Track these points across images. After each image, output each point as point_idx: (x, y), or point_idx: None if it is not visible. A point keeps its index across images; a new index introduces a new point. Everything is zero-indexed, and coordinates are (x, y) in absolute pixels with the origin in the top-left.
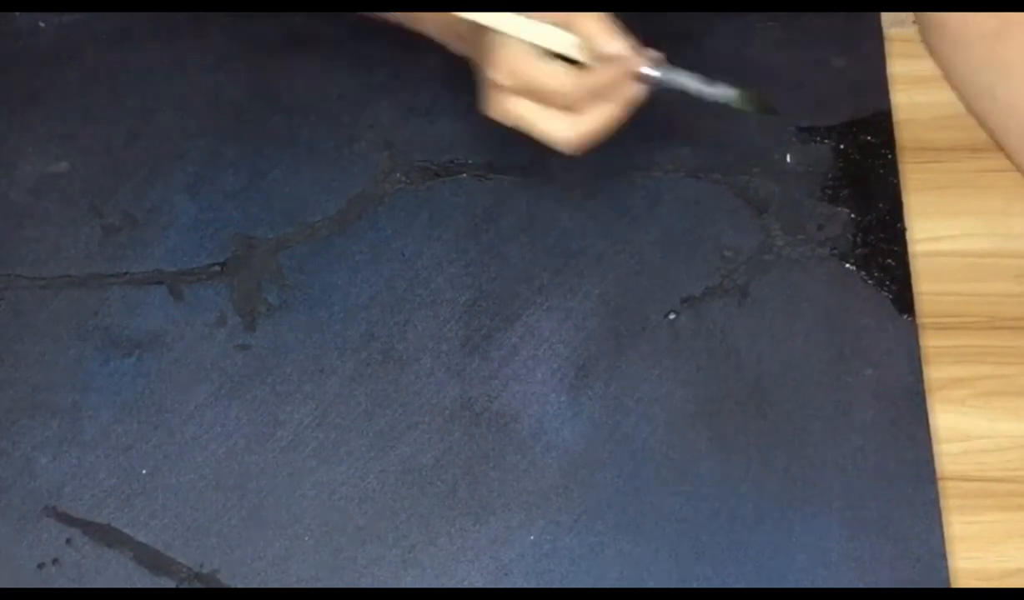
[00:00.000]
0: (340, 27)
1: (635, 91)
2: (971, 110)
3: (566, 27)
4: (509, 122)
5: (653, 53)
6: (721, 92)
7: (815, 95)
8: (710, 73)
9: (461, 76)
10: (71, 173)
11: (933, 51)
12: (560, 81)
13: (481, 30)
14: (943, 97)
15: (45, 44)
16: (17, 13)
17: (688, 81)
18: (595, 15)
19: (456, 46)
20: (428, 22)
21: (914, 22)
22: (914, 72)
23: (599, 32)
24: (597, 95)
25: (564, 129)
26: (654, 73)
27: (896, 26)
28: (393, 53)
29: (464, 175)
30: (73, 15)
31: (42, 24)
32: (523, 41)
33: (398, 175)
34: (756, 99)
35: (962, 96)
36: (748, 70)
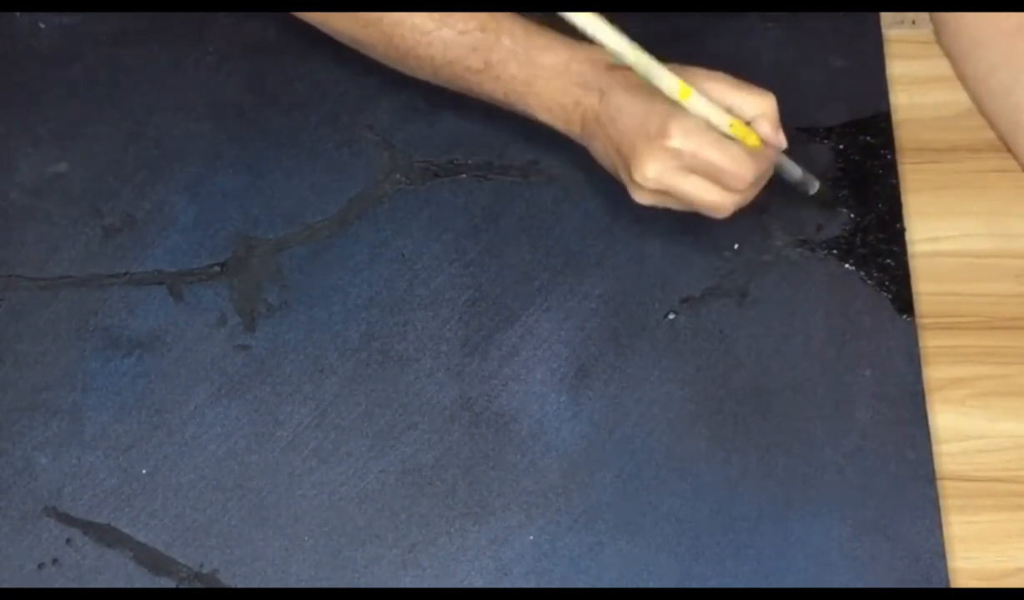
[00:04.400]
0: None
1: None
2: (983, 111)
3: (700, 90)
4: (668, 189)
5: (783, 141)
6: (809, 182)
7: (815, 95)
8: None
9: None
10: (71, 173)
11: (947, 51)
12: (742, 165)
13: (618, 99)
14: (942, 98)
15: (45, 44)
16: (17, 13)
17: (792, 168)
18: (724, 79)
19: (561, 116)
20: (538, 92)
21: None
22: (913, 73)
23: (762, 115)
24: (759, 178)
25: (728, 201)
26: (780, 159)
27: (896, 27)
28: None
29: (464, 175)
30: (73, 15)
31: (42, 24)
32: (700, 116)
33: (398, 175)
34: (827, 194)
35: (975, 96)
36: (748, 70)
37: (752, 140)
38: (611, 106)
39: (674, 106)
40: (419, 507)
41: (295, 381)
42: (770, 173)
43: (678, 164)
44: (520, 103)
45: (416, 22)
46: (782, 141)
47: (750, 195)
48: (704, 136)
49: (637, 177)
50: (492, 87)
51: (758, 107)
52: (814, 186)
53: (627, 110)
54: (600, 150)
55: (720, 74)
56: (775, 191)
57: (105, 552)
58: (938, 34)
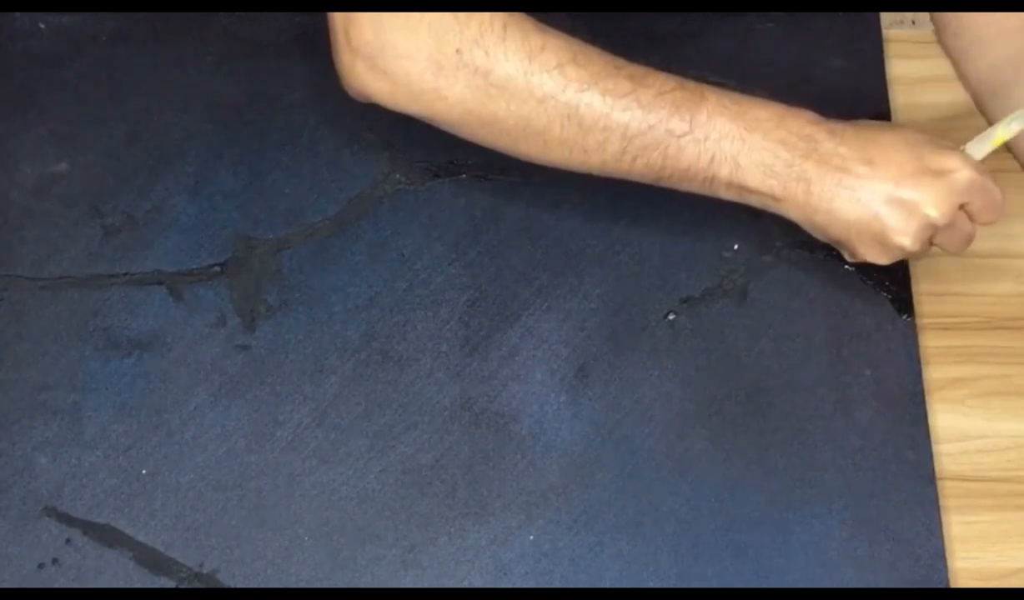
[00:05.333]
0: None
1: None
2: (984, 110)
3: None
4: (945, 226)
5: None
6: None
7: (815, 95)
8: (711, 74)
9: None
10: (71, 173)
11: (948, 50)
12: (999, 197)
13: (853, 141)
14: (942, 98)
15: (45, 45)
16: (17, 13)
17: None
18: None
19: (789, 174)
20: (753, 151)
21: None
22: (914, 72)
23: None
24: None
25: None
26: None
27: (896, 26)
28: None
29: (464, 175)
30: (73, 15)
31: (42, 25)
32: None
33: (398, 175)
34: None
35: (976, 96)
36: (748, 70)
37: None
38: (865, 150)
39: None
40: (419, 507)
41: (295, 381)
42: None
43: (963, 197)
44: (728, 165)
45: (609, 86)
46: None
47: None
48: (979, 168)
49: (931, 211)
50: (696, 151)
51: None
52: None
53: (892, 148)
54: (847, 200)
55: None
56: None
57: (105, 552)
58: (939, 33)
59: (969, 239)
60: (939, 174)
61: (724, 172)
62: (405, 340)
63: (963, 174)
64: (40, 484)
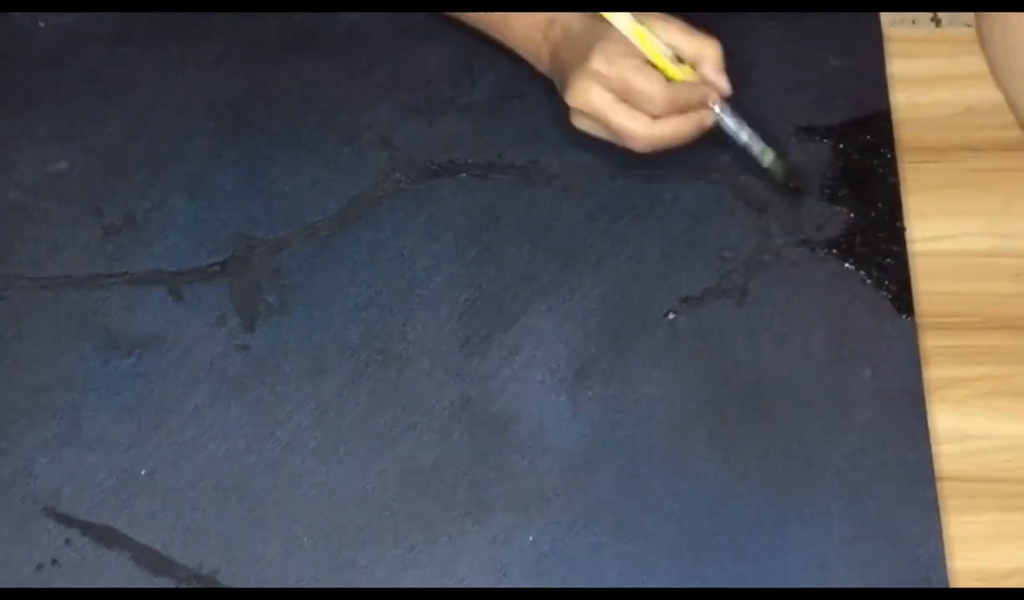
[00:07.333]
0: (340, 27)
1: (708, 118)
2: (1016, 109)
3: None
4: (589, 109)
5: (726, 86)
6: (761, 149)
7: (815, 95)
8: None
9: (461, 76)
10: (71, 173)
11: (987, 50)
12: (653, 87)
13: (574, 30)
14: (942, 97)
15: (45, 44)
16: (17, 13)
17: (736, 127)
18: (675, 22)
19: (532, 50)
20: (513, 27)
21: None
22: (913, 72)
23: (705, 58)
24: (677, 109)
25: (641, 128)
26: (717, 110)
27: (896, 26)
28: (393, 53)
29: (464, 175)
30: (73, 15)
31: (42, 24)
32: (631, 42)
33: (398, 175)
34: (786, 169)
35: (1010, 96)
36: (748, 70)
37: (671, 73)
38: (566, 38)
39: (603, 35)
40: (419, 507)
41: (295, 381)
42: (700, 121)
43: (602, 86)
44: (499, 36)
45: None
46: (723, 86)
47: (669, 130)
48: (624, 60)
49: (567, 98)
50: (475, 18)
51: (701, 50)
52: (767, 157)
53: (573, 40)
54: (557, 82)
55: (674, 18)
56: (776, 191)
57: (104, 553)
58: (979, 32)
59: (622, 125)
60: (581, 59)
61: (499, 41)
62: (405, 340)
63: (591, 63)
64: (40, 484)
